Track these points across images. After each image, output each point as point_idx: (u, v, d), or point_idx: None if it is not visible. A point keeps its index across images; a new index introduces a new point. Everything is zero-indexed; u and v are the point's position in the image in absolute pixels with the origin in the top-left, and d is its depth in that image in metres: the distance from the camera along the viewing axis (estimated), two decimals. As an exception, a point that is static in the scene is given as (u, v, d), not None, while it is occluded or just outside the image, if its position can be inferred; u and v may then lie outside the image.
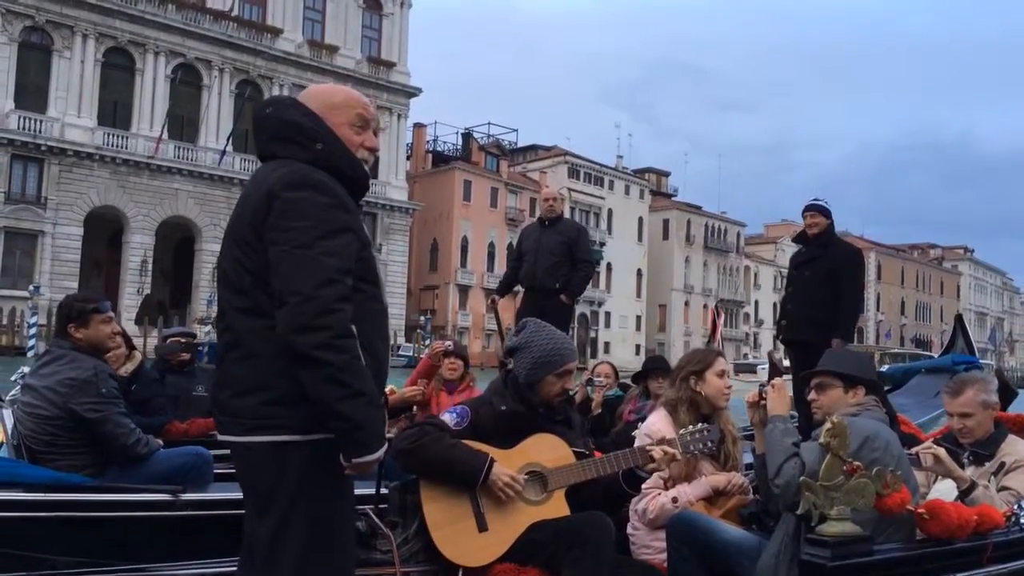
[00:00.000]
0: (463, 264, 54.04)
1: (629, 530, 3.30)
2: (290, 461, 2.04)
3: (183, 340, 5.81)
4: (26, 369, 4.43)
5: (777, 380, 3.09)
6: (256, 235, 2.08)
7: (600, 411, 5.67)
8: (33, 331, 31.92)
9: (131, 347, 4.81)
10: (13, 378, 4.53)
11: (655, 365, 5.36)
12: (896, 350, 61.22)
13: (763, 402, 3.04)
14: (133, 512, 3.41)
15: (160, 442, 4.02)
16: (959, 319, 7.54)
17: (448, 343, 5.57)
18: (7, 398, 4.40)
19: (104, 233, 39.94)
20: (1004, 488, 3.23)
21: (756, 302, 74.67)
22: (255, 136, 2.30)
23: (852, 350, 3.32)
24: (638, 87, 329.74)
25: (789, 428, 2.84)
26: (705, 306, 68.61)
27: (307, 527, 2.06)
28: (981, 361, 7.75)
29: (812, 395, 3.07)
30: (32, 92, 37.87)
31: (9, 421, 3.82)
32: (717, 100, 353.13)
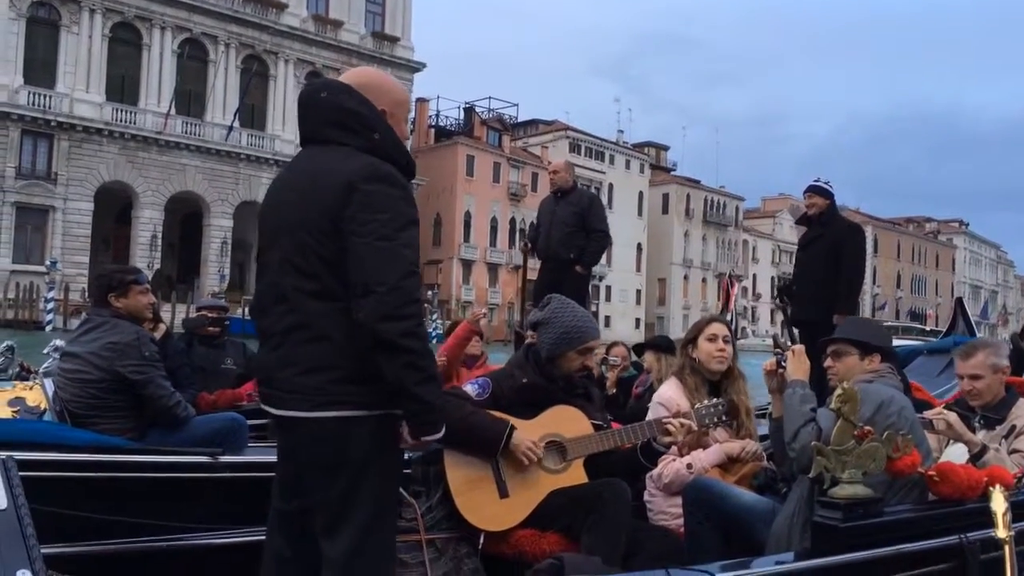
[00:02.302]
0: (466, 239, 54.40)
1: (646, 497, 3.40)
2: (356, 435, 2.13)
3: (210, 314, 5.78)
4: (58, 342, 4.61)
5: (797, 346, 3.17)
6: (332, 224, 2.12)
7: (615, 391, 5.88)
8: (51, 305, 32.36)
9: (157, 318, 4.88)
10: (46, 351, 4.69)
11: (651, 342, 5.72)
12: (889, 323, 61.87)
13: (780, 370, 3.12)
14: (174, 473, 3.52)
15: (194, 410, 4.15)
16: (959, 302, 7.59)
17: (484, 310, 5.71)
18: (41, 370, 4.54)
19: (112, 208, 40.18)
20: (1015, 451, 3.27)
21: (754, 276, 75.28)
22: (305, 118, 2.31)
23: (873, 320, 3.57)
24: (629, 60, 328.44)
25: (807, 394, 2.92)
26: (704, 280, 69.28)
27: (374, 494, 2.18)
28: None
29: (828, 362, 3.14)
30: (41, 68, 37.90)
31: (50, 389, 3.91)
32: (708, 72, 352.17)
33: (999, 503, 2.06)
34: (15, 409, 3.88)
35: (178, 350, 5.00)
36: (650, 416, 3.33)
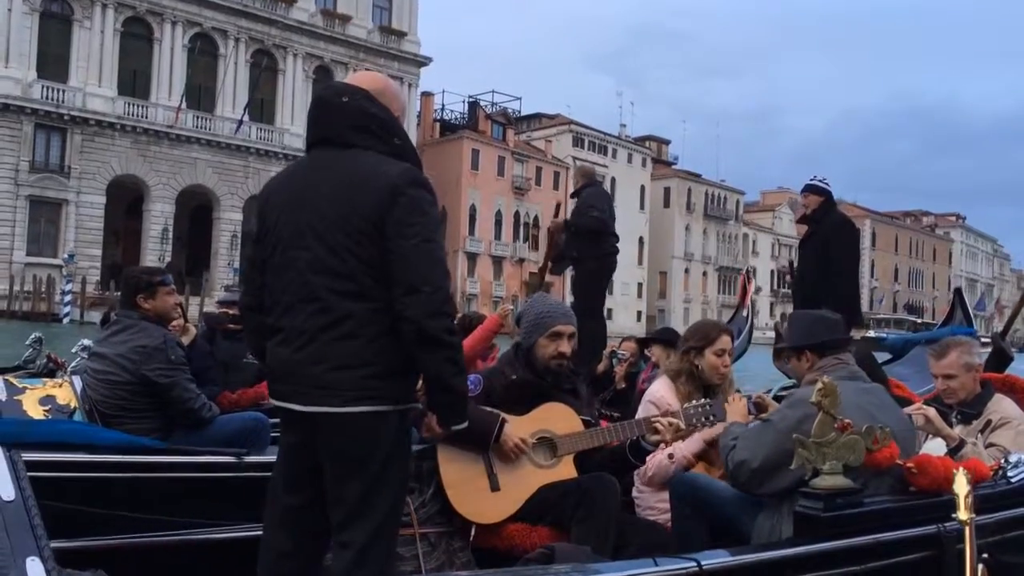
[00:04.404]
0: (471, 232, 54.84)
1: (634, 494, 3.44)
2: (384, 429, 2.21)
3: (231, 311, 5.72)
4: (86, 341, 4.68)
5: (735, 395, 3.32)
6: (374, 226, 2.17)
7: (624, 385, 6.02)
8: (68, 298, 32.72)
9: (185, 319, 4.92)
10: (74, 350, 4.81)
11: (658, 336, 5.90)
12: (881, 316, 62.40)
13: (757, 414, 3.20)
14: (201, 473, 3.57)
15: (218, 409, 4.20)
16: (958, 292, 7.64)
17: (510, 305, 5.74)
18: (70, 367, 4.62)
19: (122, 202, 40.57)
20: (991, 444, 3.35)
21: (754, 269, 75.83)
22: (323, 121, 2.34)
23: (809, 313, 3.59)
24: (623, 52, 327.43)
25: (732, 430, 3.00)
26: (705, 273, 69.84)
27: (395, 483, 2.28)
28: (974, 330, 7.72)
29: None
30: (53, 62, 38.29)
31: (78, 385, 3.99)
32: (701, 66, 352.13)
33: (962, 486, 2.07)
34: (47, 408, 3.92)
35: (205, 351, 5.05)
36: (640, 413, 3.41)
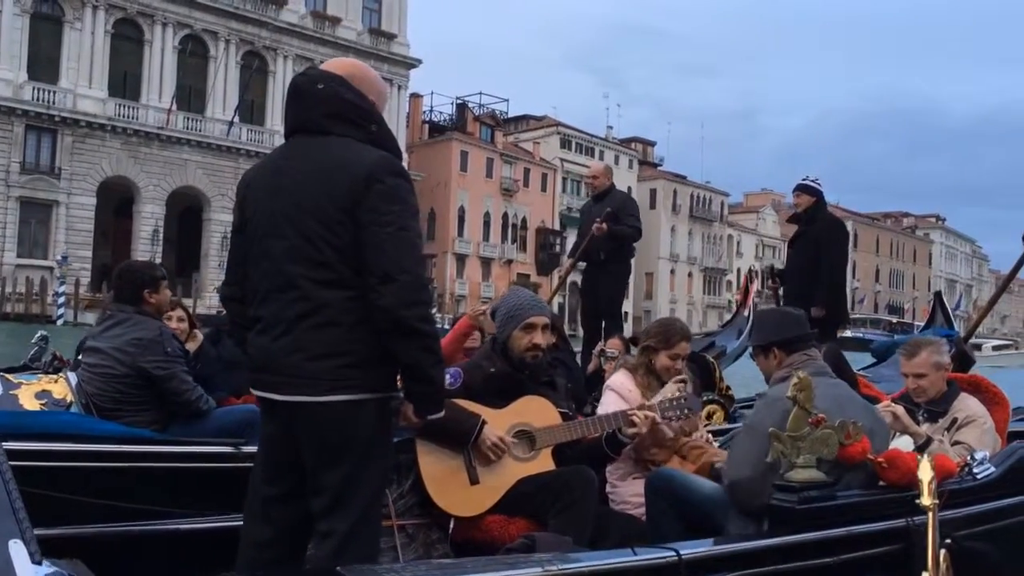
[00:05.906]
0: (460, 233, 55.11)
1: (608, 489, 3.47)
2: (363, 417, 2.21)
3: None
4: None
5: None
6: (346, 214, 2.16)
7: None
8: (61, 300, 32.73)
9: (192, 325, 4.87)
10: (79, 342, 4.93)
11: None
12: (860, 316, 63.06)
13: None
14: (199, 463, 3.58)
15: (214, 402, 4.18)
16: (938, 296, 7.76)
17: (487, 306, 5.68)
18: (74, 361, 4.54)
19: (110, 203, 40.51)
20: (957, 442, 3.41)
21: (738, 270, 76.48)
22: (301, 109, 2.31)
23: (774, 310, 3.58)
24: (606, 51, 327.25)
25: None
26: (690, 274, 70.48)
27: (376, 472, 2.28)
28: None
29: None
30: (44, 63, 38.15)
31: (74, 381, 3.98)
32: (681, 65, 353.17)
33: (926, 471, 2.11)
34: (43, 402, 3.90)
35: (212, 357, 4.97)
36: (602, 400, 3.55)
